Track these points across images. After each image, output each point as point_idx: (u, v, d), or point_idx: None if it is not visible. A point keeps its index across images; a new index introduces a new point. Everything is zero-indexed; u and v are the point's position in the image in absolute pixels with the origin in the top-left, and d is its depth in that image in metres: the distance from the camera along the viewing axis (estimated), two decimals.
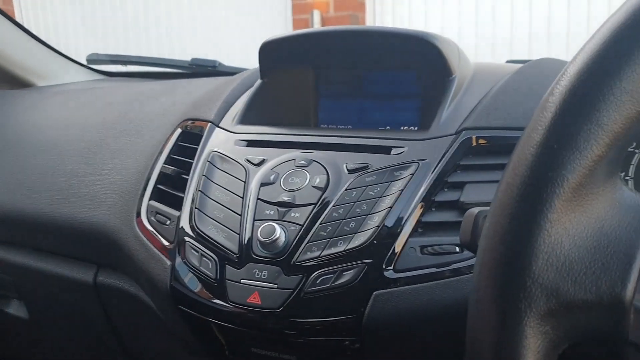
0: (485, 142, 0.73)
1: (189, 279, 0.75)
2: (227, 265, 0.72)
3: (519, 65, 0.88)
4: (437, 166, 0.71)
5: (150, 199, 0.85)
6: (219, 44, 4.56)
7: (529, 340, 0.35)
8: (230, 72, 1.52)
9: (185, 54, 1.75)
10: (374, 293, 0.66)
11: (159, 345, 1.02)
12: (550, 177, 0.35)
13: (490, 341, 0.36)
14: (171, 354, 1.01)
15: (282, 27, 4.59)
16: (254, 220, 0.73)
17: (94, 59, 1.71)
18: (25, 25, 1.56)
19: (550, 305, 0.34)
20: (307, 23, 4.43)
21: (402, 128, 0.88)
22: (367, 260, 0.67)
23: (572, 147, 0.35)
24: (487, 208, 0.50)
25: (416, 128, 0.87)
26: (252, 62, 1.11)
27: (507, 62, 1.20)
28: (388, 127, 0.89)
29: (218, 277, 0.72)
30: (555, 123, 0.36)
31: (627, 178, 0.75)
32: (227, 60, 1.65)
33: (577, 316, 0.35)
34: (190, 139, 0.89)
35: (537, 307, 0.34)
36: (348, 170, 0.74)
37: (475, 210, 0.49)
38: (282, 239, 0.69)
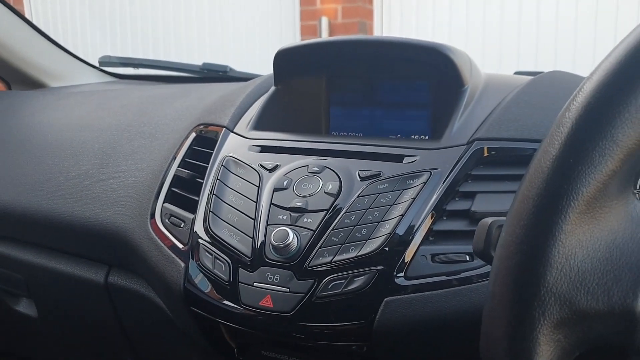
0: (496, 152, 0.74)
1: (202, 281, 0.76)
2: (240, 269, 0.73)
3: (529, 78, 0.89)
4: (448, 175, 0.72)
5: (164, 202, 0.87)
6: (227, 49, 4.58)
7: (542, 347, 0.36)
8: (241, 77, 1.54)
9: (192, 59, 1.77)
10: (385, 299, 0.67)
11: (169, 347, 1.03)
12: (565, 190, 0.36)
13: (503, 348, 0.37)
14: (180, 355, 1.02)
15: (290, 33, 4.61)
16: (267, 224, 0.74)
17: (105, 61, 1.73)
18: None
19: (563, 314, 0.36)
20: (315, 29, 4.46)
21: (412, 137, 0.89)
22: (379, 267, 0.68)
23: (587, 161, 0.36)
24: (501, 218, 0.51)
25: (427, 137, 0.88)
26: (260, 67, 1.13)
27: (515, 73, 1.21)
28: (399, 135, 0.90)
29: (231, 279, 0.73)
30: (572, 138, 0.37)
31: (639, 193, 0.76)
32: (235, 65, 1.66)
33: (589, 325, 0.36)
34: (204, 143, 0.91)
35: (551, 316, 0.36)
36: (360, 177, 0.75)
37: (489, 220, 0.51)
38: (295, 243, 0.71)
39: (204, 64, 1.65)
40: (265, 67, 1.09)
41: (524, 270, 0.36)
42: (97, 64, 1.73)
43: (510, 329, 0.37)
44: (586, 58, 3.75)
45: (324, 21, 4.46)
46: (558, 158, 0.37)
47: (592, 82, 0.38)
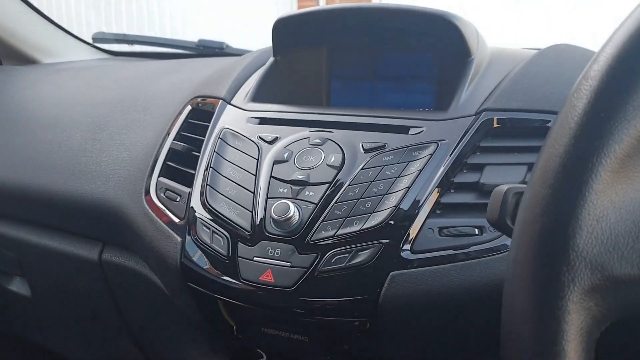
0: (505, 123, 0.71)
1: (199, 256, 0.73)
2: (239, 243, 0.70)
3: (534, 51, 0.86)
4: (456, 147, 0.70)
5: (159, 176, 0.84)
6: (223, 26, 4.52)
7: (572, 316, 0.33)
8: (238, 54, 1.50)
9: (187, 36, 1.73)
10: (391, 274, 0.64)
11: (165, 324, 1.01)
12: (596, 147, 0.33)
13: (529, 317, 0.34)
14: (176, 333, 1.00)
15: (287, 10, 4.55)
16: (267, 198, 0.71)
17: (99, 37, 1.68)
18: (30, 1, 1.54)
19: (594, 280, 0.33)
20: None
21: (415, 109, 0.86)
22: (384, 241, 0.65)
23: (620, 115, 0.33)
24: (517, 185, 0.48)
25: (431, 110, 0.85)
26: (255, 45, 1.10)
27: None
28: (402, 109, 0.87)
29: (230, 254, 0.70)
30: (602, 90, 0.34)
31: None
32: (231, 42, 1.62)
33: (623, 292, 0.33)
34: (200, 116, 0.88)
35: (581, 282, 0.33)
36: (364, 149, 0.72)
37: (504, 187, 0.48)
38: (296, 217, 0.68)
39: (200, 40, 1.60)
40: (260, 45, 1.06)
41: (551, 233, 0.34)
42: (90, 41, 1.69)
43: (537, 297, 0.34)
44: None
45: (322, 3, 4.40)
46: (587, 112, 0.34)
47: (622, 31, 0.35)
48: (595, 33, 3.59)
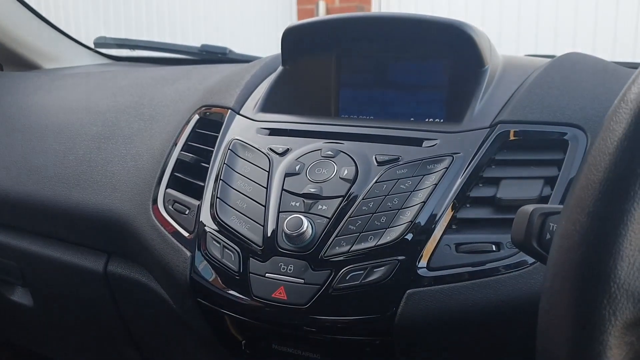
0: (521, 136, 0.70)
1: (209, 271, 0.72)
2: (250, 258, 0.69)
3: (546, 60, 0.85)
4: (472, 160, 0.68)
5: (167, 187, 0.82)
6: (222, 33, 4.50)
7: (613, 351, 0.32)
8: (241, 59, 1.48)
9: (186, 41, 1.71)
10: (407, 292, 0.63)
11: (169, 338, 0.99)
12: (638, 174, 0.32)
13: (568, 352, 0.33)
14: (181, 347, 0.98)
15: (286, 17, 4.54)
16: (279, 211, 0.70)
17: (101, 42, 1.67)
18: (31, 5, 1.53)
19: (637, 313, 0.32)
20: (312, 13, 4.38)
21: (427, 120, 0.85)
22: (400, 257, 0.64)
23: None
24: (543, 205, 0.47)
25: (442, 121, 0.84)
26: (254, 50, 1.09)
27: (526, 56, 1.17)
28: (412, 119, 0.86)
29: (241, 270, 0.69)
30: None
31: None
32: (230, 46, 1.61)
33: None
34: (208, 126, 0.86)
35: (623, 316, 0.31)
36: (377, 162, 0.71)
37: (530, 207, 0.46)
38: (310, 232, 0.67)
39: (203, 45, 1.59)
40: (261, 51, 1.05)
41: (590, 263, 0.32)
42: (92, 46, 1.67)
43: (576, 331, 0.32)
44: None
45: (322, 5, 4.38)
46: (627, 137, 0.33)
47: None
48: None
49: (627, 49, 3.50)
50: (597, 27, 3.66)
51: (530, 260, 0.62)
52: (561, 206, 0.42)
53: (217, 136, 0.82)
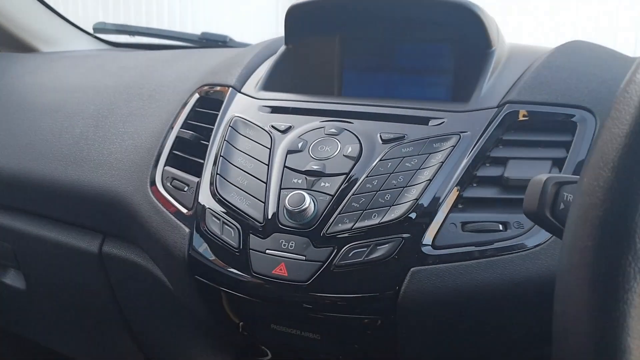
0: (529, 116, 0.69)
1: (208, 247, 0.70)
2: (251, 235, 0.67)
3: (550, 47, 0.84)
4: (479, 139, 0.67)
5: (165, 165, 0.80)
6: (222, 21, 4.47)
7: (638, 310, 0.30)
8: (241, 47, 1.47)
9: (185, 29, 1.69)
10: (411, 269, 0.61)
11: (164, 321, 0.97)
12: None
13: (589, 311, 0.31)
14: (177, 329, 0.96)
15: (286, 4, 4.51)
16: (281, 188, 0.68)
17: (100, 27, 1.64)
18: None
19: None
20: None
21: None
22: (404, 235, 0.62)
23: None
24: (557, 175, 0.46)
25: (451, 101, 0.82)
26: (257, 38, 1.07)
27: None
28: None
29: (241, 246, 0.67)
30: None
31: None
32: (229, 35, 1.59)
33: None
34: (208, 104, 0.84)
35: None
36: (382, 140, 0.69)
37: (544, 176, 0.45)
38: (312, 208, 0.65)
39: (203, 33, 1.57)
40: (260, 39, 1.03)
41: (614, 219, 0.31)
42: (91, 31, 1.65)
43: (599, 289, 0.31)
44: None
45: None
46: None
47: None
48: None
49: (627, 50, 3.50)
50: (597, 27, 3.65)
51: (538, 240, 0.61)
52: (576, 177, 0.40)
53: (218, 114, 0.81)
